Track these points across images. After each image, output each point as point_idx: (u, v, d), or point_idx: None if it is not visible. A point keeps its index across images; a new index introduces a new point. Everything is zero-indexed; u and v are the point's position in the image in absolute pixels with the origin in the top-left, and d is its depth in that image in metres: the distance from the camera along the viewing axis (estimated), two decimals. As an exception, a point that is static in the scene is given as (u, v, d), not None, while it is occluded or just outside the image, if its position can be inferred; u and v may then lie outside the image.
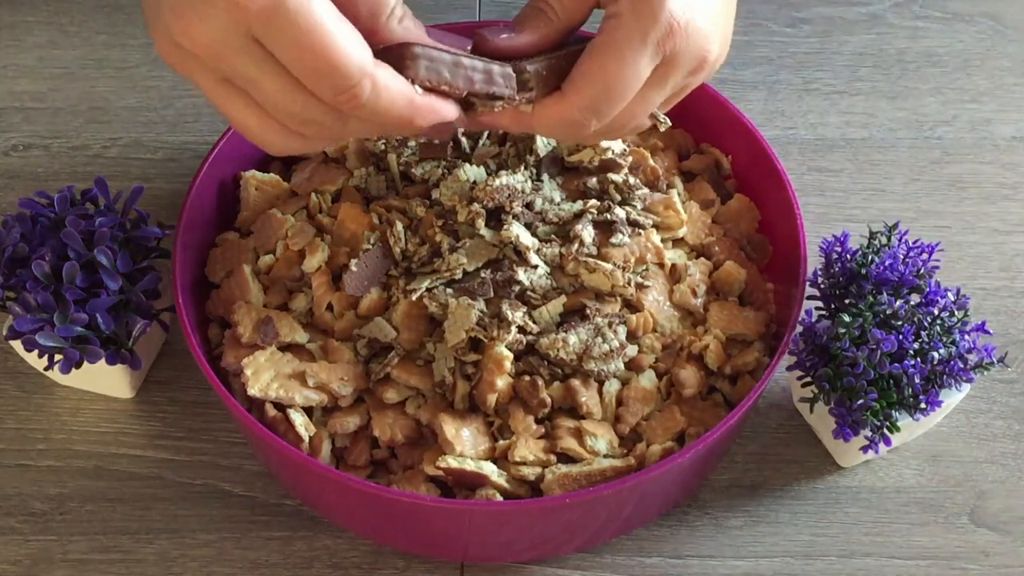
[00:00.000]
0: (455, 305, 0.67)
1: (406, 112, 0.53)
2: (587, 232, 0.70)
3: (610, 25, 0.56)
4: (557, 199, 0.72)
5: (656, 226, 0.74)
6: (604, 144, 0.73)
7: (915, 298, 0.69)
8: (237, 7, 0.48)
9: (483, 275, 0.68)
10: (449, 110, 0.55)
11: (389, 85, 0.52)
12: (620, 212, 0.71)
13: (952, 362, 0.66)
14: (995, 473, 0.75)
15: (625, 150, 0.75)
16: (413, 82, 0.53)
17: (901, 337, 0.65)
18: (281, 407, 0.68)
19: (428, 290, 0.69)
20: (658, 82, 0.58)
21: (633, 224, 0.72)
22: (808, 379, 0.68)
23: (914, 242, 0.71)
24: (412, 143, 0.74)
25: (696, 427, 0.68)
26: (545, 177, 0.72)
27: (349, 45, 0.50)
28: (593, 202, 0.71)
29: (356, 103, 0.51)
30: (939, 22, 0.97)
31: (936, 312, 0.68)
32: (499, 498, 0.66)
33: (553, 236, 0.70)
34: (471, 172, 0.72)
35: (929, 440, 0.76)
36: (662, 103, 0.61)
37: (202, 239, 0.75)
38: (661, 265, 0.73)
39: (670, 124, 0.63)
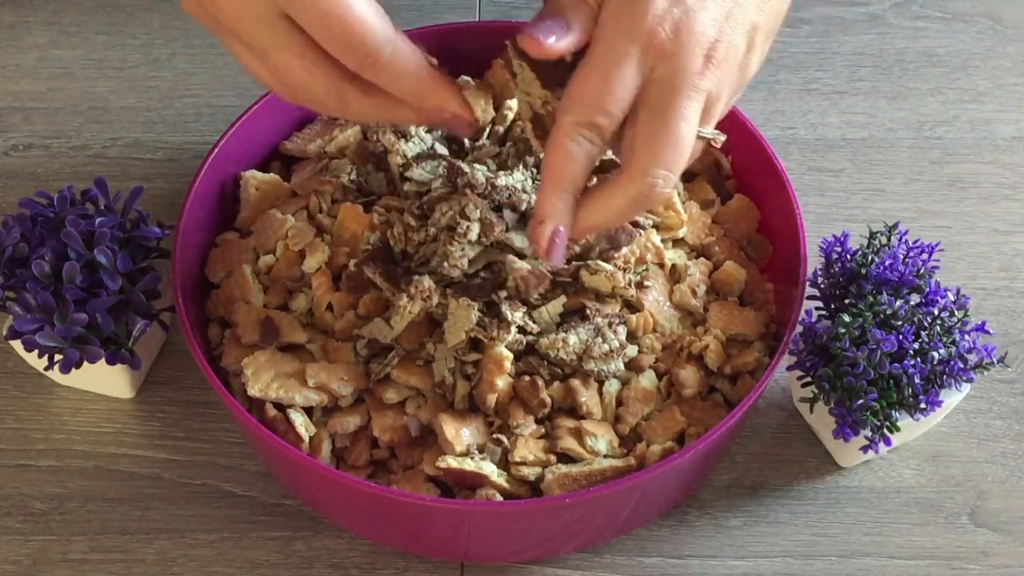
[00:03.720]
0: (455, 306, 0.67)
1: (420, 84, 0.56)
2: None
3: (596, 33, 0.55)
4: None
5: (656, 226, 0.74)
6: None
7: (915, 298, 0.69)
8: None
9: (483, 276, 0.68)
10: (461, 106, 0.58)
11: (407, 53, 0.55)
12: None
13: (952, 362, 0.66)
14: (995, 473, 0.75)
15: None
16: None
17: (901, 337, 0.65)
18: (281, 407, 0.68)
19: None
20: (668, 96, 0.55)
21: (633, 224, 0.72)
22: (808, 379, 0.68)
23: (914, 242, 0.71)
24: (412, 143, 0.74)
25: (696, 427, 0.68)
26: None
27: (372, 16, 0.53)
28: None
29: (379, 68, 0.54)
30: (939, 22, 0.97)
31: (936, 312, 0.68)
32: (499, 498, 0.66)
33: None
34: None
35: (929, 440, 0.76)
36: (703, 119, 0.58)
37: (202, 239, 0.75)
38: (661, 265, 0.73)
39: (724, 137, 0.61)
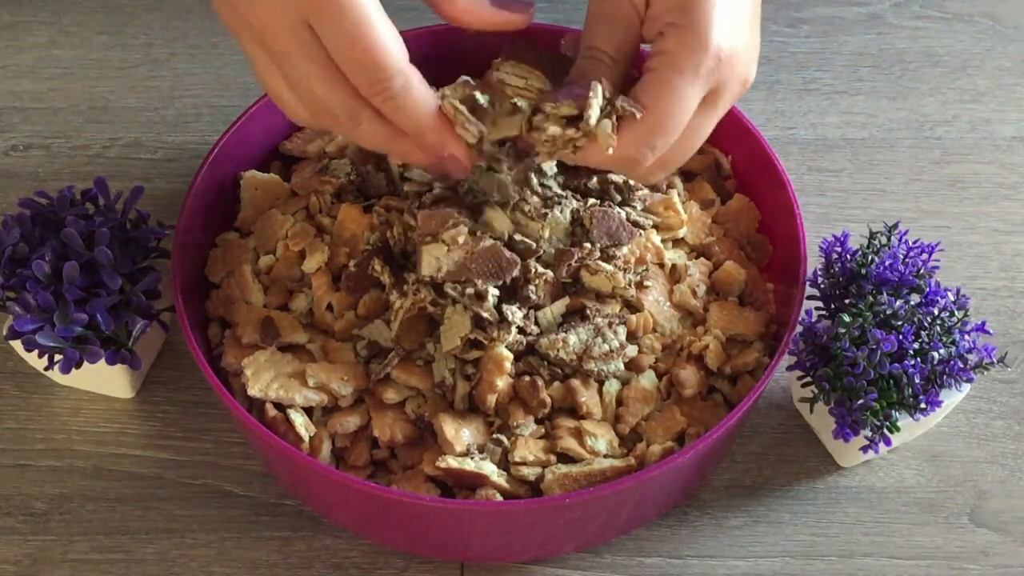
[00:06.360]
0: (451, 311, 0.67)
1: (426, 119, 0.56)
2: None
3: (660, 61, 0.57)
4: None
5: (656, 226, 0.74)
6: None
7: (915, 298, 0.69)
8: None
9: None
10: (460, 147, 0.58)
11: (419, 87, 0.55)
12: (620, 213, 0.71)
13: (952, 362, 0.66)
14: (995, 473, 0.75)
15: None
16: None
17: (901, 337, 0.65)
18: (281, 407, 0.68)
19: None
20: (709, 111, 0.59)
21: (633, 224, 0.72)
22: (808, 379, 0.68)
23: (914, 242, 0.71)
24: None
25: (696, 427, 0.68)
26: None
27: (391, 42, 0.54)
28: (593, 202, 0.71)
29: (386, 96, 0.54)
30: (939, 22, 0.97)
31: (936, 312, 0.68)
32: (499, 498, 0.66)
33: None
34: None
35: (929, 440, 0.76)
36: None
37: (202, 239, 0.75)
38: (661, 265, 0.73)
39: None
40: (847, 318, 0.66)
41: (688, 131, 0.58)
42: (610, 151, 0.57)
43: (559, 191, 0.72)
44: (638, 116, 0.57)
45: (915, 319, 0.67)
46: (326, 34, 0.53)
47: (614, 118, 0.57)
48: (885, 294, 0.68)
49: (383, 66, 0.54)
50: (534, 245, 0.68)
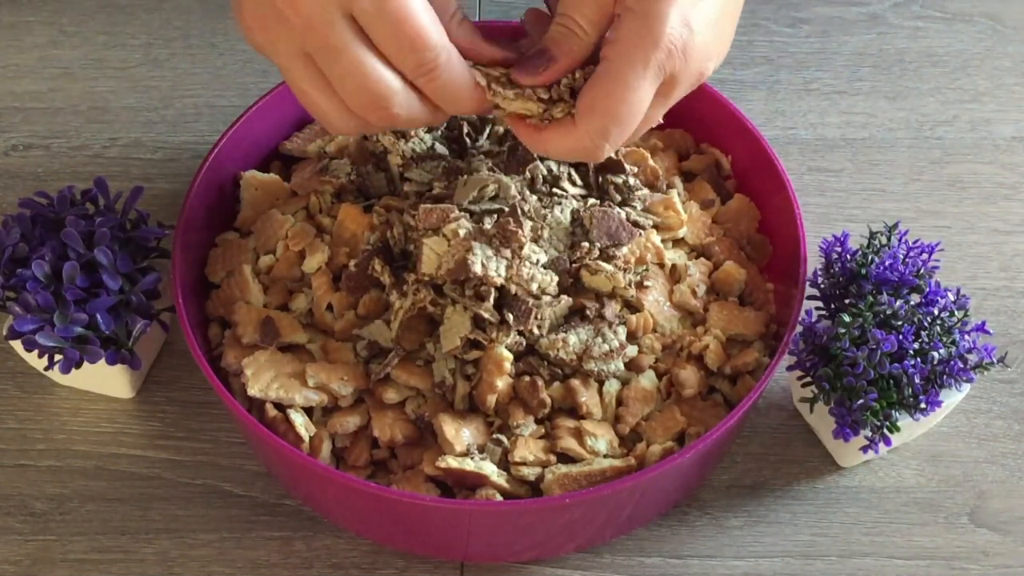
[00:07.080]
0: (451, 311, 0.67)
1: (464, 94, 0.58)
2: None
3: (614, 51, 0.57)
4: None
5: (656, 226, 0.74)
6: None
7: (915, 298, 0.69)
8: None
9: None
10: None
11: (458, 63, 0.58)
12: (620, 213, 0.71)
13: (952, 362, 0.66)
14: (995, 473, 0.75)
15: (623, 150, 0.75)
16: None
17: (901, 337, 0.65)
18: (281, 407, 0.68)
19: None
20: (662, 100, 0.59)
21: (633, 224, 0.72)
22: (808, 379, 0.68)
23: (914, 242, 0.71)
24: (412, 143, 0.74)
25: (696, 427, 0.68)
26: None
27: (432, 22, 0.56)
28: (593, 202, 0.71)
29: (432, 74, 0.57)
30: (939, 22, 0.97)
31: (936, 312, 0.68)
32: (499, 498, 0.66)
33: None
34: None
35: (929, 440, 0.76)
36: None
37: (202, 239, 0.75)
38: (661, 265, 0.73)
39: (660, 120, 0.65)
40: (847, 318, 0.66)
41: (643, 120, 0.59)
42: None
43: (562, 189, 0.72)
44: None
45: (915, 319, 0.67)
46: (371, 22, 0.55)
47: None
48: (885, 294, 0.68)
49: (429, 45, 0.56)
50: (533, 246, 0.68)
